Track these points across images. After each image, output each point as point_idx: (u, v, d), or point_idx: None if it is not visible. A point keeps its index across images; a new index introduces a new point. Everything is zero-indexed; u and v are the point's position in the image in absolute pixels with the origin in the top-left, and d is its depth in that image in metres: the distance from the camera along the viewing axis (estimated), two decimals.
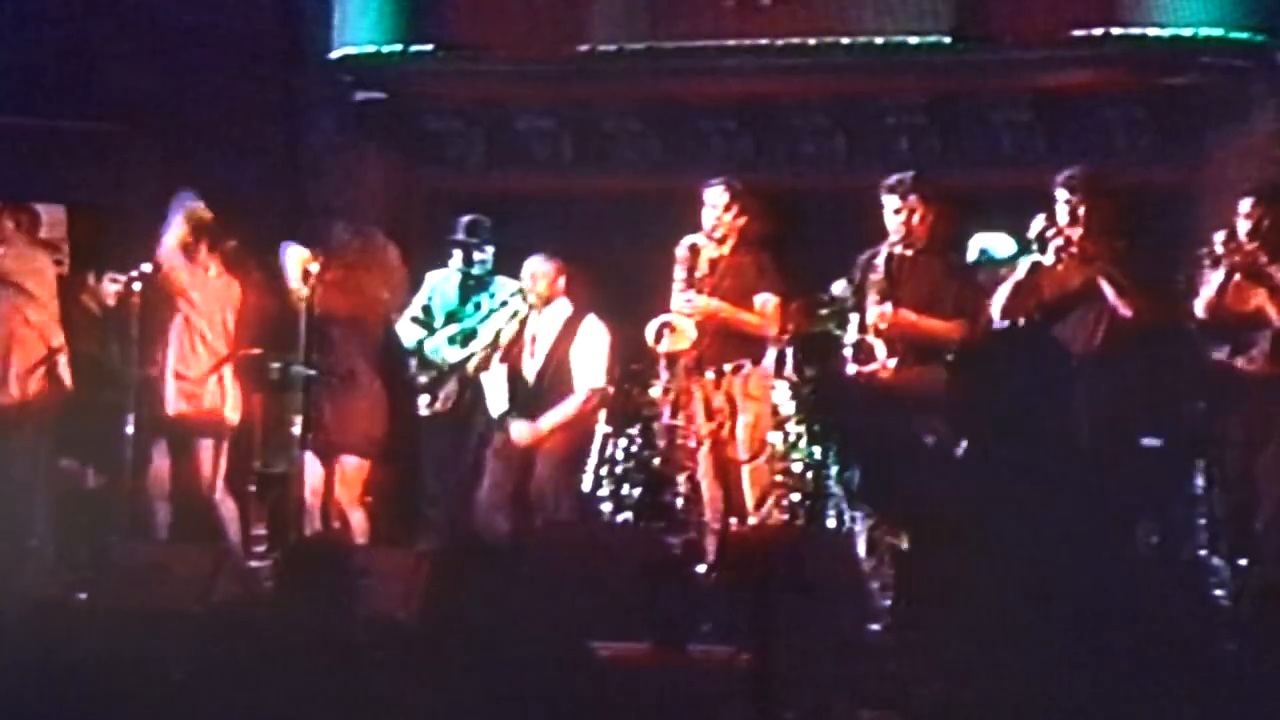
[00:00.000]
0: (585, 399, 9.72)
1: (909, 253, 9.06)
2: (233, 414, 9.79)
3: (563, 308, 9.76)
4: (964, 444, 8.90)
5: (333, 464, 9.55)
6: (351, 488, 9.57)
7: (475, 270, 10.27)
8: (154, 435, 9.70)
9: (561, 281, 9.75)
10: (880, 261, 9.04)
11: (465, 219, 10.39)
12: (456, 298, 10.27)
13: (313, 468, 9.49)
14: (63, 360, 9.59)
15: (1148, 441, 9.17)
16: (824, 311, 10.54)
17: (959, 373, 8.97)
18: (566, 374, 9.70)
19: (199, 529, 9.70)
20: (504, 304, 9.97)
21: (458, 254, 10.29)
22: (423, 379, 10.12)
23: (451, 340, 10.14)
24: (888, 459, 9.00)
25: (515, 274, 9.98)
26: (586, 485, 10.19)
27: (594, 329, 9.75)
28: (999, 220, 9.67)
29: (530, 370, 9.71)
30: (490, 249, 10.30)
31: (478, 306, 10.22)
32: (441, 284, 10.25)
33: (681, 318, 9.27)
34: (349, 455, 9.57)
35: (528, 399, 9.68)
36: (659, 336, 9.31)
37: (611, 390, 9.88)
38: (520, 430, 9.57)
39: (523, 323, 9.75)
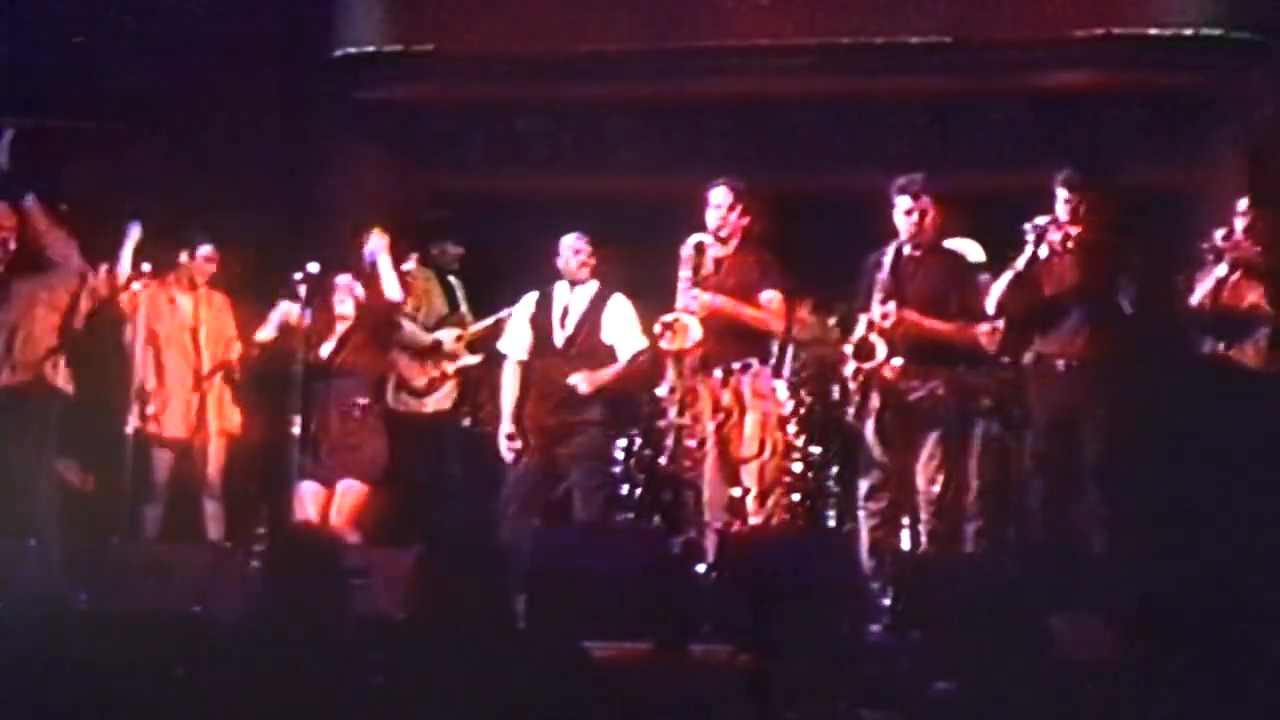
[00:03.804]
0: (633, 358, 9.71)
1: (917, 253, 9.06)
2: (225, 420, 9.89)
3: (592, 286, 9.76)
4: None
5: (333, 487, 9.62)
6: (350, 513, 9.61)
7: (450, 269, 10.34)
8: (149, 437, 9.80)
9: (593, 261, 9.76)
10: (887, 261, 9.04)
11: (430, 217, 10.44)
12: (443, 298, 10.32)
13: (311, 496, 9.57)
14: (62, 360, 9.62)
15: None
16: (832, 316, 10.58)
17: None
18: (596, 342, 9.69)
19: (189, 530, 9.76)
20: (500, 318, 10.04)
21: (428, 253, 10.34)
22: (421, 381, 10.14)
23: (451, 343, 10.17)
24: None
25: (500, 273, 10.00)
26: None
27: (623, 302, 9.76)
28: (998, 220, 9.67)
29: (559, 338, 9.71)
30: (458, 247, 10.38)
31: (456, 308, 10.28)
32: (425, 284, 10.28)
33: (687, 316, 9.28)
34: (352, 479, 9.62)
35: (556, 364, 9.68)
36: (664, 335, 9.31)
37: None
38: (581, 380, 9.52)
39: (550, 297, 9.76)
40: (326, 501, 9.63)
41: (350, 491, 9.63)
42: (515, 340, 9.77)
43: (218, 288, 10.10)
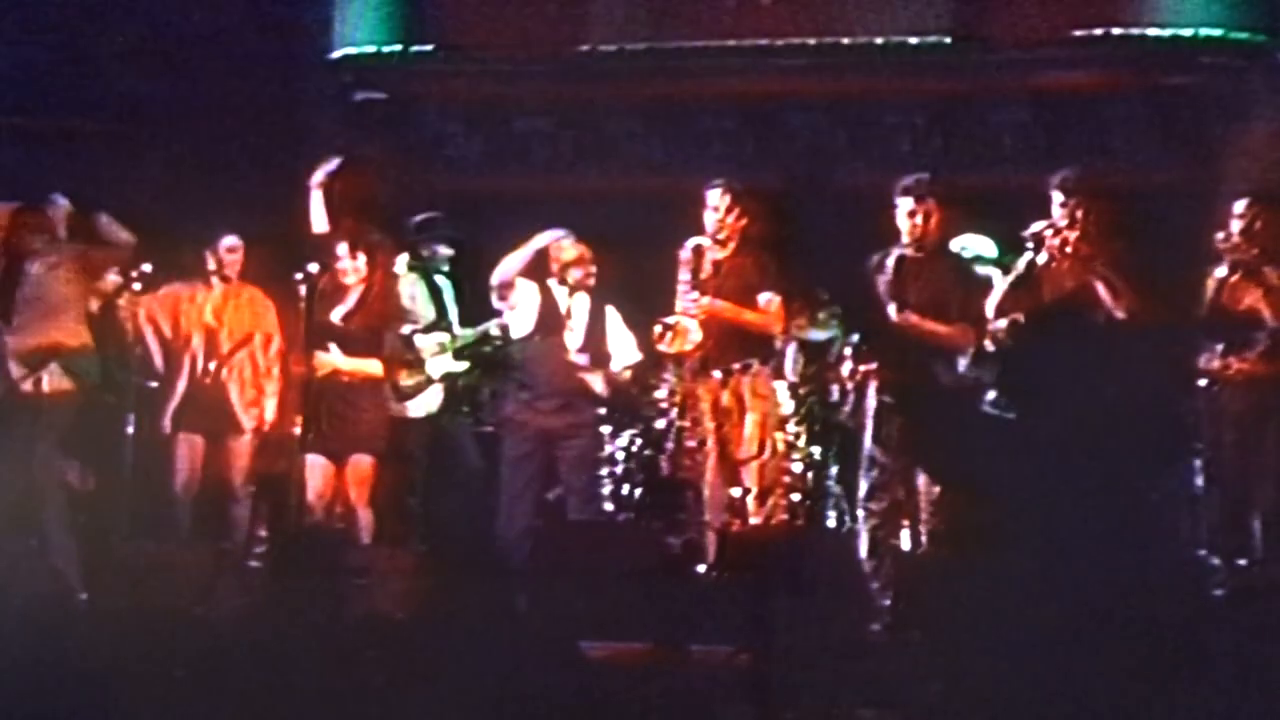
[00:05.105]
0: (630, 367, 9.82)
1: (919, 255, 9.05)
2: (249, 419, 9.91)
3: (588, 294, 9.76)
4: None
5: (343, 463, 9.59)
6: (362, 486, 9.59)
7: (439, 271, 10.36)
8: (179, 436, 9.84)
9: (594, 268, 9.76)
10: (890, 263, 9.02)
11: (419, 218, 10.44)
12: (430, 301, 10.32)
13: (319, 467, 9.53)
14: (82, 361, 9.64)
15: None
16: (823, 314, 10.58)
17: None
18: (603, 350, 9.71)
19: (212, 528, 9.77)
20: (488, 329, 10.05)
21: (418, 253, 10.34)
22: (409, 383, 10.13)
23: (438, 347, 10.18)
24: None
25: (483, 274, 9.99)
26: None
27: (615, 314, 9.79)
28: (999, 221, 9.68)
29: (571, 342, 9.70)
30: (449, 249, 10.39)
31: (444, 313, 10.29)
32: (411, 286, 10.28)
33: (686, 319, 9.28)
34: (360, 454, 9.60)
35: (562, 367, 9.67)
36: (664, 337, 9.31)
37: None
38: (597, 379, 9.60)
39: (554, 300, 9.73)
40: (335, 476, 9.60)
41: (359, 465, 9.61)
42: (521, 325, 9.76)
43: (247, 281, 10.03)
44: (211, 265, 9.96)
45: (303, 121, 12.53)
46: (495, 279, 9.63)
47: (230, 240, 9.96)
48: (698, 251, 9.36)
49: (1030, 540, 8.74)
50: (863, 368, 9.02)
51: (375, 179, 11.04)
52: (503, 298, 9.66)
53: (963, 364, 9.32)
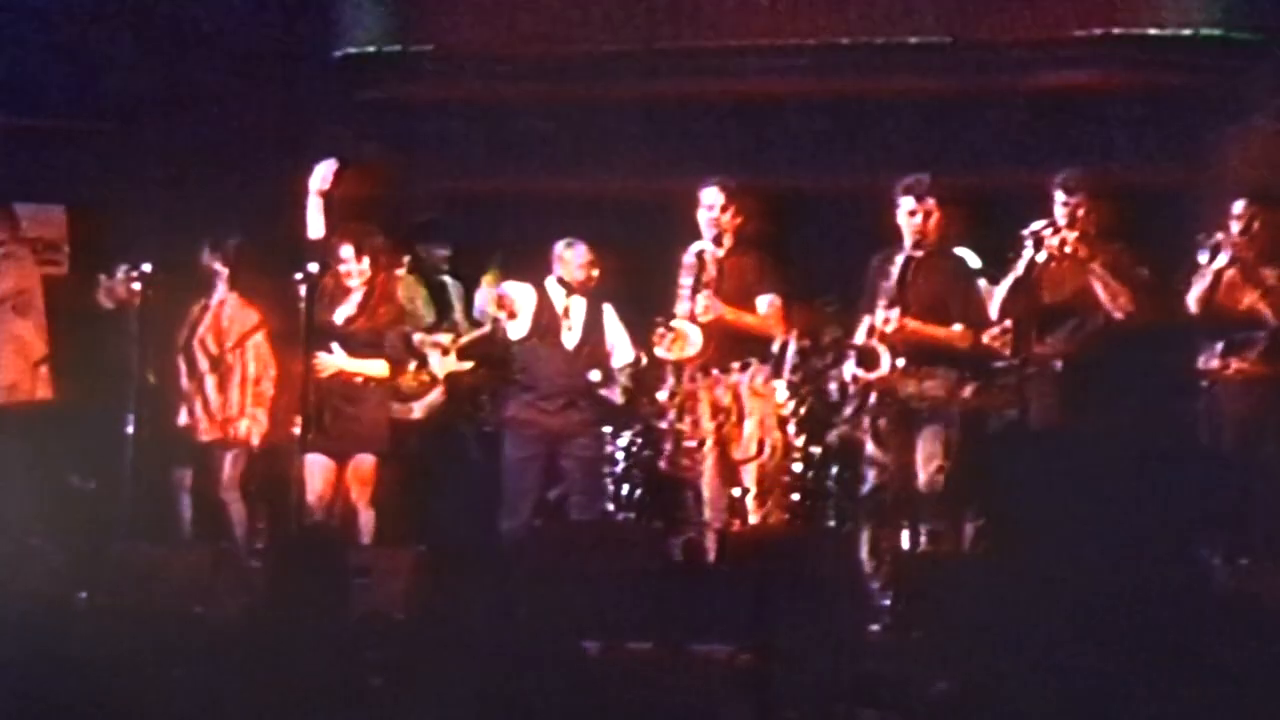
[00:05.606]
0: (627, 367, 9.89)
1: (919, 254, 9.05)
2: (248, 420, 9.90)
3: (587, 295, 9.78)
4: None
5: (345, 462, 9.58)
6: (364, 486, 9.59)
7: (438, 271, 10.36)
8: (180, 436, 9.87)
9: (596, 272, 9.77)
10: (892, 266, 9.02)
11: (417, 220, 10.44)
12: (430, 302, 10.32)
13: (320, 467, 9.51)
14: (44, 368, 9.64)
15: None
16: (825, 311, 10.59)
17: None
18: (602, 350, 9.78)
19: (211, 528, 9.76)
20: (488, 320, 10.04)
21: (419, 256, 10.34)
22: (412, 383, 10.12)
23: (441, 348, 10.18)
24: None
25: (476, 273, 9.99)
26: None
27: (613, 312, 9.83)
28: (998, 221, 9.68)
29: (569, 341, 9.73)
30: (446, 250, 10.38)
31: (445, 313, 10.28)
32: (410, 288, 10.27)
33: (687, 324, 9.27)
34: (362, 453, 9.59)
35: (562, 366, 9.70)
36: (662, 341, 9.30)
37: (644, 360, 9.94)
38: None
39: (549, 301, 9.74)
40: (336, 475, 9.59)
41: (361, 465, 9.60)
42: (517, 328, 9.76)
43: (241, 284, 10.04)
44: (210, 266, 9.98)
45: (303, 121, 12.53)
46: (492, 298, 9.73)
47: (229, 245, 9.99)
48: (700, 257, 9.36)
49: (1031, 540, 8.75)
50: (869, 376, 9.00)
51: (376, 180, 11.05)
52: (501, 306, 9.71)
53: (968, 390, 9.32)
